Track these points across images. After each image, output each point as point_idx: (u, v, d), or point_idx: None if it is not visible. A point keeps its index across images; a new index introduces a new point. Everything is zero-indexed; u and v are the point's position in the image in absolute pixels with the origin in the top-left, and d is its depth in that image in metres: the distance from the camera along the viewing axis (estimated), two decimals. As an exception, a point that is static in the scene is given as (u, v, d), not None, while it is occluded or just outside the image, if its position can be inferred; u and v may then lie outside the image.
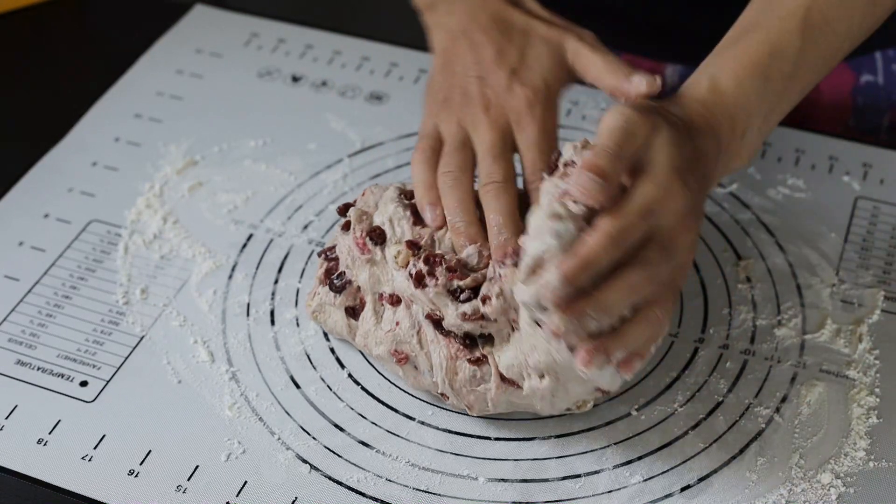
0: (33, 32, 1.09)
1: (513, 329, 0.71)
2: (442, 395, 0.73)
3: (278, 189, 0.91)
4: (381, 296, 0.75)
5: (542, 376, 0.69)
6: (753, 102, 0.73)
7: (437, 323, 0.72)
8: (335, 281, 0.77)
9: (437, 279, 0.72)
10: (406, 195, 0.78)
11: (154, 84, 1.01)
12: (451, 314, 0.71)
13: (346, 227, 0.77)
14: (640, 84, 0.74)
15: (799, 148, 0.94)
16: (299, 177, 0.92)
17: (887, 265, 0.84)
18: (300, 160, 0.93)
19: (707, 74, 0.73)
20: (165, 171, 0.92)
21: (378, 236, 0.75)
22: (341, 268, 0.77)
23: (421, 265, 0.72)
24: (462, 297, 0.71)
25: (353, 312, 0.77)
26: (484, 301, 0.71)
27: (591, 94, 0.99)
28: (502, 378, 0.71)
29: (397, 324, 0.73)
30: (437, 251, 0.74)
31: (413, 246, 0.74)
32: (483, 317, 0.71)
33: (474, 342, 0.72)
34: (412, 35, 1.10)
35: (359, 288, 0.76)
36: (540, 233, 0.65)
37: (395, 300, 0.74)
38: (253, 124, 0.97)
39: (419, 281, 0.72)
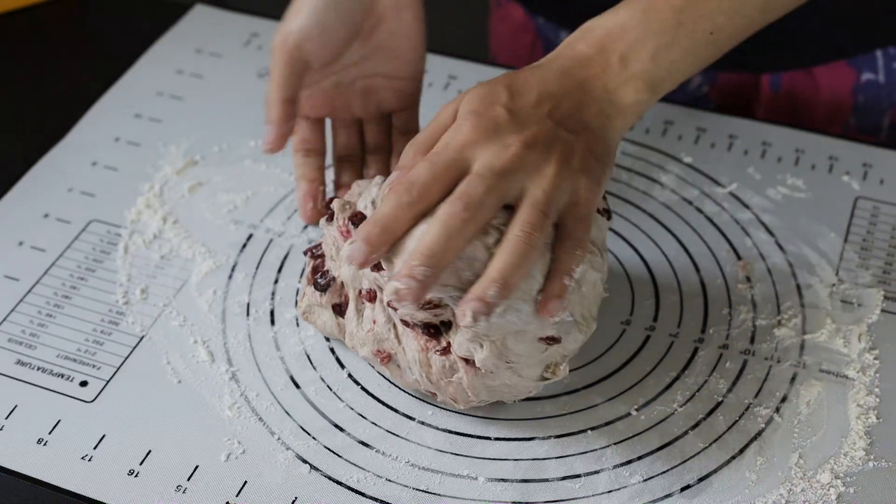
0: (33, 32, 1.09)
1: None
2: (430, 392, 0.73)
3: (278, 189, 0.91)
4: (360, 292, 0.75)
5: (481, 346, 0.68)
6: (632, 30, 0.72)
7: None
8: (319, 280, 0.76)
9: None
10: None
11: (154, 84, 1.01)
12: (388, 292, 0.67)
13: (331, 218, 0.76)
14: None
15: (799, 148, 0.94)
16: (299, 177, 0.92)
17: (887, 265, 0.84)
18: (300, 160, 0.93)
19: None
20: (165, 171, 0.92)
21: (360, 220, 0.73)
22: (327, 264, 0.77)
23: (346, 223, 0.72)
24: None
25: (340, 310, 0.76)
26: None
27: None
28: (466, 361, 0.70)
29: (374, 322, 0.73)
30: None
31: (358, 215, 0.73)
32: (435, 304, 0.69)
33: (438, 331, 0.71)
34: (412, 35, 1.10)
35: (343, 284, 0.76)
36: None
37: (371, 296, 0.73)
38: (253, 124, 0.97)
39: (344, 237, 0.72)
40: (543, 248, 0.67)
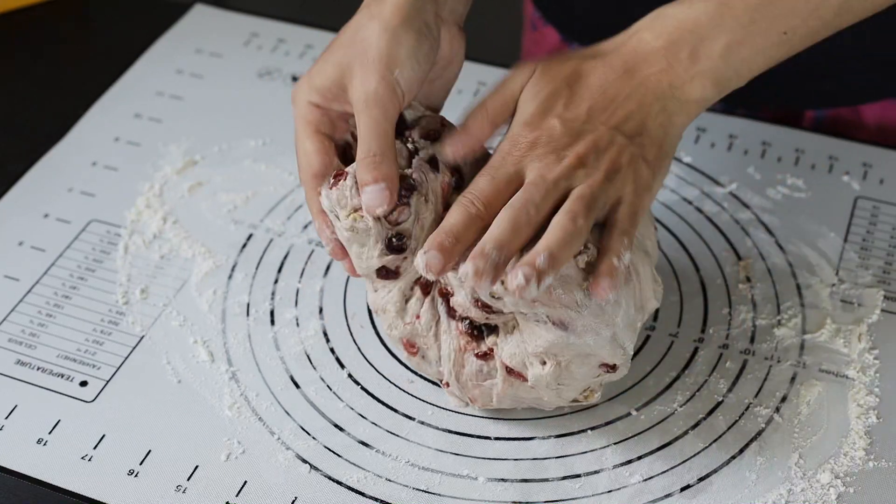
0: (34, 32, 1.09)
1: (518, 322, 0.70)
2: (445, 383, 0.73)
3: (278, 189, 0.91)
4: (418, 280, 0.73)
5: (543, 363, 0.69)
6: (705, 25, 0.70)
7: (449, 304, 0.71)
8: (394, 240, 0.71)
9: None
10: None
11: (154, 84, 1.01)
12: (461, 293, 0.70)
13: (434, 164, 0.72)
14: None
15: (799, 148, 0.94)
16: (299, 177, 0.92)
17: (887, 265, 0.84)
18: (300, 160, 0.93)
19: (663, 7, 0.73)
20: (165, 171, 0.92)
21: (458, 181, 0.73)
22: (408, 224, 0.71)
23: None
24: None
25: (385, 274, 0.73)
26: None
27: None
28: (508, 371, 0.70)
29: (417, 317, 0.73)
30: None
31: None
32: (491, 308, 0.69)
33: (482, 334, 0.71)
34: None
35: (406, 258, 0.72)
36: None
37: (425, 289, 0.73)
38: (253, 124, 0.97)
39: None
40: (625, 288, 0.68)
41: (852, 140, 0.95)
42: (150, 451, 0.73)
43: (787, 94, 0.83)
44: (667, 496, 0.71)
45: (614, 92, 0.70)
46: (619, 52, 0.72)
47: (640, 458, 0.73)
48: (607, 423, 0.74)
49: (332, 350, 0.79)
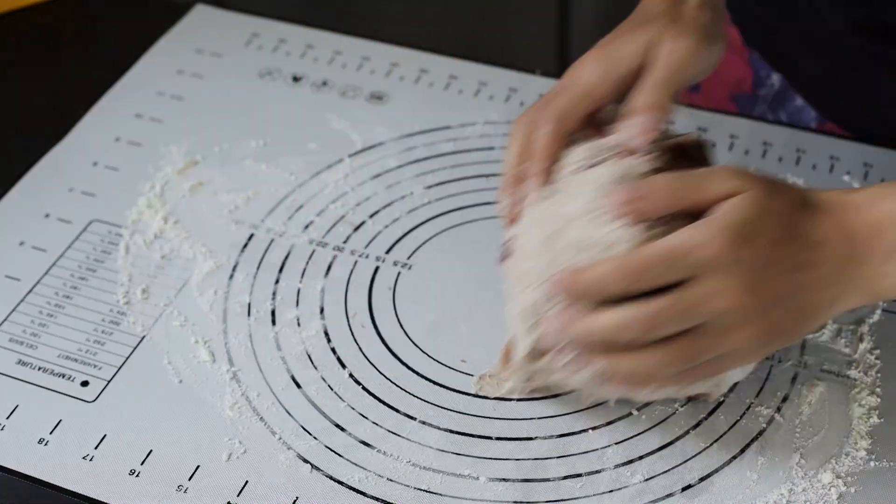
0: (34, 32, 1.09)
1: None
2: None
3: (279, 189, 0.91)
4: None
5: None
6: None
7: None
8: None
9: None
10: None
11: (154, 84, 1.01)
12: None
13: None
14: (622, 135, 0.72)
15: (799, 148, 0.94)
16: (300, 177, 0.92)
17: (888, 265, 0.84)
18: (301, 160, 0.93)
19: (883, 192, 0.66)
20: (166, 171, 0.92)
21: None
22: None
23: None
24: None
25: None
26: None
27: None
28: None
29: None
30: None
31: None
32: None
33: None
34: (412, 35, 1.10)
35: None
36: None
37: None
38: (253, 124, 0.97)
39: None
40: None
41: (854, 141, 0.95)
42: (151, 451, 0.73)
43: None
44: (668, 496, 0.71)
45: (819, 257, 0.65)
46: (834, 226, 0.65)
47: (641, 457, 0.73)
48: (608, 423, 0.74)
49: (333, 350, 0.79)
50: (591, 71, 0.74)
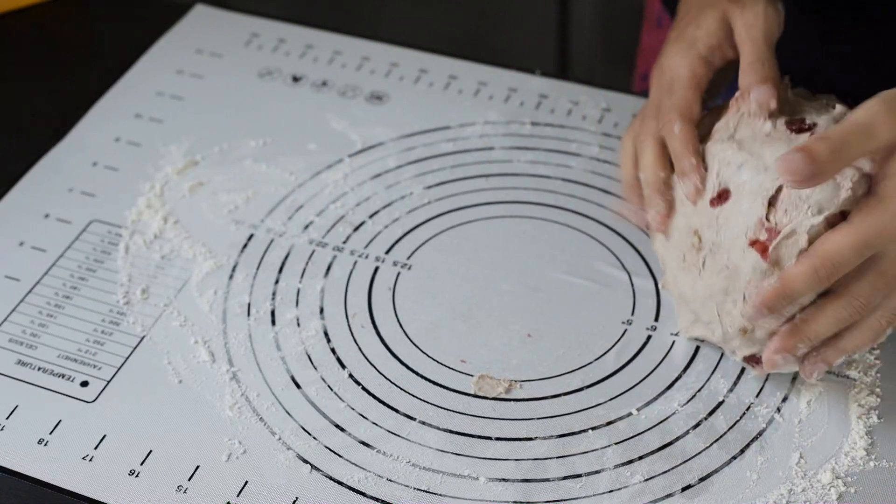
0: (33, 32, 1.09)
1: None
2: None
3: (279, 189, 0.91)
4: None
5: None
6: None
7: None
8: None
9: None
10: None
11: (154, 84, 1.01)
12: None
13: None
14: (750, 100, 0.73)
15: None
16: (300, 177, 0.92)
17: (888, 265, 0.84)
18: (300, 160, 0.93)
19: None
20: (166, 171, 0.92)
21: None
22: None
23: None
24: None
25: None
26: None
27: (591, 94, 0.99)
28: None
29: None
30: None
31: None
32: None
33: None
34: (412, 35, 1.10)
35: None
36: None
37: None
38: (253, 124, 0.97)
39: None
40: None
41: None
42: (150, 452, 0.73)
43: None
44: (668, 496, 0.71)
45: None
46: None
47: (641, 457, 0.73)
48: (608, 423, 0.74)
49: (333, 350, 0.79)
50: (682, 62, 0.77)
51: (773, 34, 0.76)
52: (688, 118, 0.76)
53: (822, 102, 0.75)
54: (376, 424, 0.75)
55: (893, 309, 0.69)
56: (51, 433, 0.74)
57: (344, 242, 0.87)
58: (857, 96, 0.69)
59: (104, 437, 0.74)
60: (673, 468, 0.72)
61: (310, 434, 0.74)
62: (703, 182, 0.73)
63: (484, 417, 0.75)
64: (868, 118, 0.65)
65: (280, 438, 0.74)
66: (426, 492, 0.71)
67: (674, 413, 0.75)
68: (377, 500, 0.70)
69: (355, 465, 0.72)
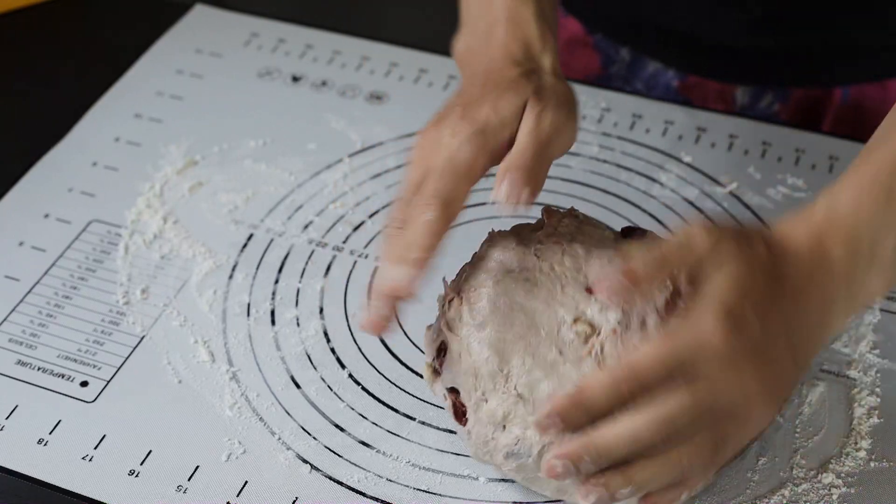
0: (34, 32, 1.09)
1: None
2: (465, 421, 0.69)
3: (278, 189, 0.91)
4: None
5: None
6: (877, 224, 0.64)
7: None
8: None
9: None
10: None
11: (154, 84, 1.01)
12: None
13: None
14: (500, 193, 0.67)
15: (799, 148, 0.94)
16: (299, 177, 0.92)
17: (888, 265, 0.84)
18: (300, 160, 0.93)
19: (823, 198, 0.65)
20: (166, 171, 0.92)
21: None
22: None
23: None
24: None
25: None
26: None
27: (590, 93, 0.99)
28: None
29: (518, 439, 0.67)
30: None
31: None
32: None
33: None
34: (412, 35, 1.10)
35: None
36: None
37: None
38: (253, 124, 0.97)
39: None
40: None
41: (854, 140, 0.95)
42: (150, 452, 0.73)
43: (817, 71, 0.81)
44: (668, 496, 0.70)
45: (794, 319, 0.63)
46: (796, 272, 0.64)
47: (641, 458, 0.72)
48: (608, 423, 0.74)
49: (332, 350, 0.79)
50: (467, 148, 0.69)
51: (557, 148, 0.70)
52: (449, 210, 0.68)
53: (602, 231, 0.72)
54: (376, 424, 0.75)
55: (700, 448, 0.61)
56: (50, 433, 0.74)
57: (343, 242, 0.87)
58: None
59: (104, 437, 0.74)
60: (673, 468, 0.72)
61: (309, 434, 0.74)
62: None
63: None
64: (685, 236, 0.62)
65: (280, 438, 0.74)
66: (426, 492, 0.71)
67: (674, 413, 0.75)
68: (377, 500, 0.70)
69: (355, 465, 0.72)
